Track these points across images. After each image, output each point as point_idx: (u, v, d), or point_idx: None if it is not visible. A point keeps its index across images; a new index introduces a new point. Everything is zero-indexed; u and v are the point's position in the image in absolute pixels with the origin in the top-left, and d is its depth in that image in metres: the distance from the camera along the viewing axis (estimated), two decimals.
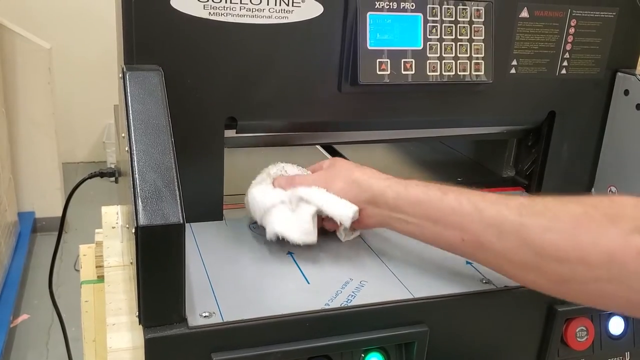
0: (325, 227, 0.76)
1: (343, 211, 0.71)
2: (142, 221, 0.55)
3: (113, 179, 0.96)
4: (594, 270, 0.58)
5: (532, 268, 0.62)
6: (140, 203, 0.56)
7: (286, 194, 0.74)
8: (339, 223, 0.72)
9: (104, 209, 1.11)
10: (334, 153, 1.13)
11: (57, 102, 2.92)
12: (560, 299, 0.63)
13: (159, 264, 0.57)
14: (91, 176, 0.98)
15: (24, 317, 2.40)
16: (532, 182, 0.99)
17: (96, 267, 1.11)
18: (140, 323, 0.59)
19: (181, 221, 0.56)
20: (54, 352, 2.22)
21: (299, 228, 0.72)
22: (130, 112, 0.63)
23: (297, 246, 0.76)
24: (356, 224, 0.73)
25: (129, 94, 0.64)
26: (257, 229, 0.79)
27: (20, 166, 2.89)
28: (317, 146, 1.12)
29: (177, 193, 0.58)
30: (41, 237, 2.95)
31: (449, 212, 0.66)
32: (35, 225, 2.97)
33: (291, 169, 0.80)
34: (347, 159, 1.00)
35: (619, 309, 0.62)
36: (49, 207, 2.96)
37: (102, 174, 0.98)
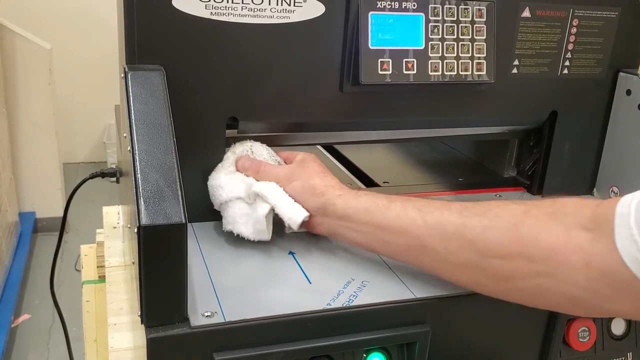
0: None
1: (293, 216, 0.71)
2: (145, 221, 0.55)
3: (114, 179, 0.96)
4: (535, 265, 0.58)
5: (475, 267, 0.62)
6: (142, 203, 0.56)
7: (244, 187, 0.73)
8: (286, 225, 0.73)
9: (105, 209, 1.11)
10: (335, 153, 1.13)
11: (57, 103, 2.92)
12: (502, 299, 0.63)
13: (161, 263, 0.57)
14: (92, 176, 0.98)
15: (25, 317, 2.40)
16: (533, 182, 0.99)
17: (97, 267, 1.11)
18: (142, 323, 0.58)
19: (183, 221, 0.56)
20: (55, 352, 2.22)
21: (253, 227, 0.73)
22: (132, 112, 0.63)
23: (299, 246, 0.76)
24: (305, 227, 0.73)
25: (130, 94, 0.64)
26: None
27: (21, 166, 2.89)
28: (317, 146, 1.12)
29: (180, 193, 0.58)
30: (42, 237, 2.95)
31: (394, 218, 0.66)
32: (36, 225, 2.97)
33: (259, 149, 0.79)
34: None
35: (559, 306, 0.62)
36: (50, 207, 2.96)
37: (103, 174, 0.98)
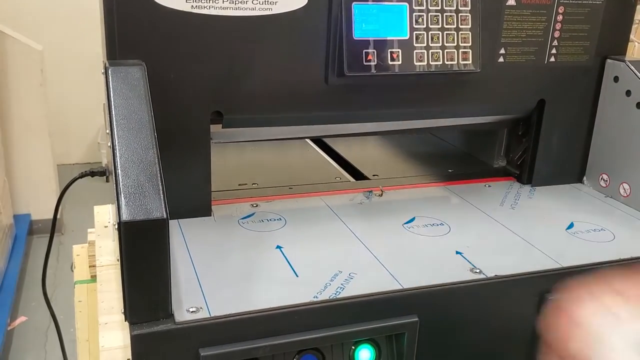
0: None
1: None
2: (125, 216, 0.55)
3: (104, 178, 0.95)
4: None
5: None
6: (123, 198, 0.56)
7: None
8: None
9: (97, 208, 1.11)
10: (324, 147, 1.13)
11: (50, 104, 2.91)
12: None
13: (143, 259, 0.56)
14: (82, 175, 0.97)
15: (21, 319, 2.39)
16: (523, 171, 0.98)
17: (89, 266, 1.10)
18: (125, 320, 0.58)
19: (164, 216, 0.56)
20: (52, 354, 2.21)
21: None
22: (113, 107, 0.62)
23: (286, 240, 0.76)
24: None
25: (111, 89, 0.64)
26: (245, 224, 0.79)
27: (14, 169, 2.88)
28: (306, 140, 1.12)
29: (161, 188, 0.57)
30: (37, 239, 2.94)
31: None
32: (31, 227, 2.96)
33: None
34: None
35: None
36: (45, 209, 2.94)
37: (92, 173, 0.97)
